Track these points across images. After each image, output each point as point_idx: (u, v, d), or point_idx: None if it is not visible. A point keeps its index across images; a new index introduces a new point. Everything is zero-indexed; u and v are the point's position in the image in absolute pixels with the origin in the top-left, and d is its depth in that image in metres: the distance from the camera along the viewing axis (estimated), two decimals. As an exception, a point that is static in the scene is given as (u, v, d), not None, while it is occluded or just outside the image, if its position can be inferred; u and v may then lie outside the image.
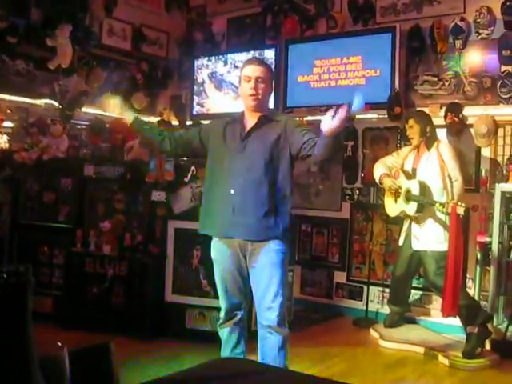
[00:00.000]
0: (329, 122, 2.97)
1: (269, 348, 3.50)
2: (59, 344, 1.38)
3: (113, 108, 3.72)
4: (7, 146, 6.01)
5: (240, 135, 3.47)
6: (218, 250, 3.57)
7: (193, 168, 4.07)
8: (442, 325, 5.42)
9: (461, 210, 4.66)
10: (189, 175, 5.12)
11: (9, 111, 6.11)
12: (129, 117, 3.69)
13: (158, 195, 5.26)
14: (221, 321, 3.69)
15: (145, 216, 5.41)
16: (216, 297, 3.88)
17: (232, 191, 3.38)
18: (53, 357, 1.34)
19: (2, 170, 5.88)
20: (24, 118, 6.27)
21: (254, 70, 3.45)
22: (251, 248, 3.42)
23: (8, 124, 6.09)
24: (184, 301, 5.11)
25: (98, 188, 5.65)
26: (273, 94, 6.59)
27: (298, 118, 3.85)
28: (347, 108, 2.91)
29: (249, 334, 3.84)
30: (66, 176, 5.78)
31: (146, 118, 7.33)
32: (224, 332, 3.68)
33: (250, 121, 3.50)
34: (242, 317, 3.66)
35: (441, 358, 4.82)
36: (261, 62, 3.64)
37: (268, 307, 3.45)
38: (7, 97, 6.14)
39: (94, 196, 5.66)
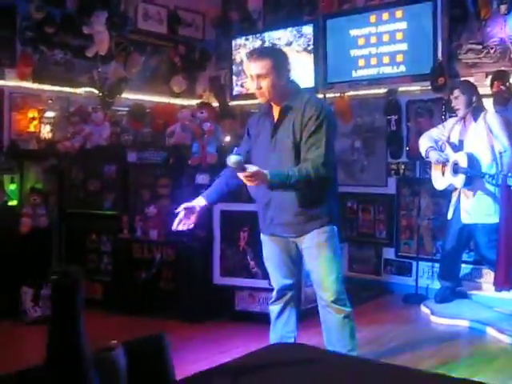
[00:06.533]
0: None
1: (329, 328, 3.50)
2: (114, 342, 1.37)
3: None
4: (50, 136, 6.08)
5: (270, 131, 3.40)
6: (265, 237, 3.59)
7: (235, 149, 4.01)
8: (494, 298, 5.31)
9: (511, 181, 4.55)
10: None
11: (50, 101, 6.16)
12: (200, 203, 3.57)
13: (202, 178, 5.23)
14: (273, 299, 3.70)
15: (190, 199, 5.38)
16: (264, 277, 3.85)
17: (268, 190, 3.32)
18: (108, 356, 1.33)
19: (46, 160, 5.95)
20: (65, 107, 6.33)
21: (253, 68, 3.29)
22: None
23: (50, 114, 6.14)
24: (232, 283, 5.11)
25: (142, 174, 5.69)
26: (312, 69, 6.62)
27: (321, 95, 3.47)
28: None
29: (299, 313, 3.84)
30: (110, 163, 5.81)
31: (185, 102, 7.38)
32: (274, 310, 3.69)
33: (276, 111, 3.41)
34: (293, 296, 3.67)
35: (494, 333, 4.72)
36: (258, 55, 3.35)
37: (321, 286, 3.45)
38: (47, 87, 6.20)
39: (138, 182, 5.69)
